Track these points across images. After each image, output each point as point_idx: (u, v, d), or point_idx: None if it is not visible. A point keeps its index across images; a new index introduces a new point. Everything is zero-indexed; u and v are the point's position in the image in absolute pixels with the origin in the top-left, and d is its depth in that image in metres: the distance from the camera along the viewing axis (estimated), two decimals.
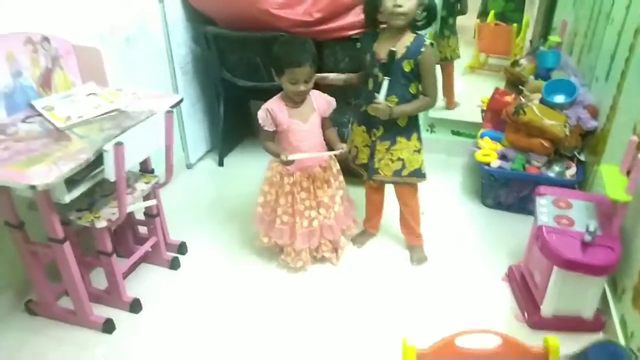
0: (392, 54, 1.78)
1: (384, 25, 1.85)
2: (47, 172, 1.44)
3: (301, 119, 1.92)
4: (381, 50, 1.82)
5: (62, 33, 1.93)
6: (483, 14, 4.67)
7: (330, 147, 1.98)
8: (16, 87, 1.78)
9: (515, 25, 4.15)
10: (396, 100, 1.83)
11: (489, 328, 1.45)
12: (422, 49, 1.77)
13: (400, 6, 1.70)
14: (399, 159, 1.94)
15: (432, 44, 1.81)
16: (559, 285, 1.72)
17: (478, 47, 4.28)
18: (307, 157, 1.91)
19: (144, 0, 2.43)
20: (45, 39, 1.86)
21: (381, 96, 1.80)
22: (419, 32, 1.84)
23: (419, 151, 1.98)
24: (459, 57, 3.50)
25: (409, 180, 2.00)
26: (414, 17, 1.76)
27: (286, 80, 1.83)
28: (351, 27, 2.40)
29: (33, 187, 1.40)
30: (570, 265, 1.64)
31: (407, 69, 1.80)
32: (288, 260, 2.12)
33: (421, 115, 3.00)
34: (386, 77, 1.80)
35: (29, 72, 1.82)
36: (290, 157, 1.86)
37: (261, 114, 1.91)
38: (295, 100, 1.90)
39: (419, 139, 1.98)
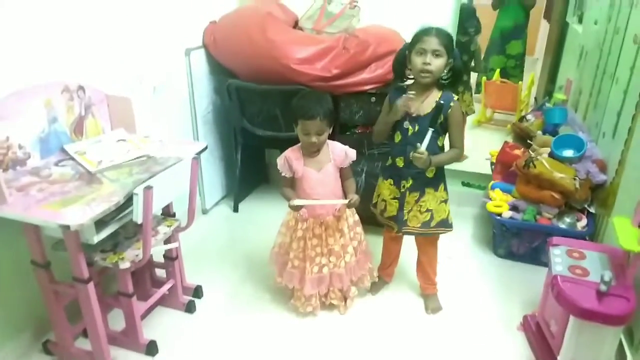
0: (439, 105, 1.84)
1: (410, 82, 1.95)
2: (80, 213, 1.50)
3: (315, 168, 1.99)
4: (410, 105, 1.88)
5: (95, 82, 2.05)
6: (486, 71, 4.86)
7: (345, 197, 2.04)
8: (51, 132, 1.88)
9: (520, 83, 4.31)
10: (426, 152, 1.87)
11: None
12: (451, 104, 1.86)
13: (428, 64, 1.79)
14: (427, 210, 1.99)
15: (457, 99, 1.89)
16: (575, 334, 1.73)
17: (484, 103, 4.44)
18: (313, 203, 1.97)
19: (172, 53, 2.58)
20: (81, 88, 1.97)
21: (423, 146, 1.83)
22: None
23: (445, 202, 2.03)
24: (473, 112, 3.64)
25: (437, 231, 2.04)
26: (440, 75, 1.84)
27: (300, 131, 1.92)
28: (366, 82, 2.53)
29: (67, 227, 1.46)
30: (586, 314, 1.66)
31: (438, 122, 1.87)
32: (298, 305, 2.14)
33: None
34: (430, 128, 1.83)
35: (63, 119, 1.92)
36: (296, 203, 1.93)
37: (279, 161, 2.00)
38: (310, 150, 1.99)
39: (446, 189, 2.04)
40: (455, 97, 1.88)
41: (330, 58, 2.47)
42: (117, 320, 2.01)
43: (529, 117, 3.31)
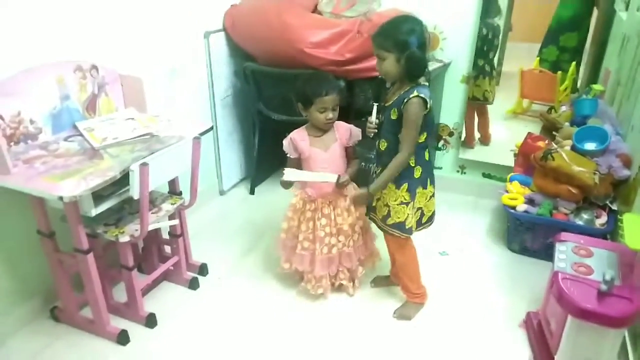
0: (399, 99, 1.77)
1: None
2: (75, 186, 1.56)
3: (322, 148, 1.99)
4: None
5: (113, 62, 2.12)
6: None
7: None
8: (63, 109, 1.96)
9: (559, 73, 4.09)
10: (386, 144, 1.84)
11: None
12: (406, 100, 1.72)
13: (378, 69, 1.79)
14: (386, 204, 1.90)
15: (422, 98, 1.70)
16: (573, 335, 1.64)
17: (521, 93, 4.24)
18: (302, 179, 2.00)
19: (191, 35, 2.63)
20: (94, 67, 2.04)
21: (373, 117, 1.86)
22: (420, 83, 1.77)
23: (407, 204, 1.87)
24: (492, 98, 3.49)
25: (391, 231, 1.93)
26: (395, 74, 1.74)
27: (315, 110, 1.92)
28: None
29: (61, 198, 1.52)
30: (584, 314, 1.57)
31: (393, 117, 1.79)
32: (308, 287, 2.14)
33: (451, 157, 3.00)
34: (375, 103, 1.86)
35: (76, 96, 2.00)
36: (285, 178, 1.96)
37: (285, 142, 2.04)
38: (324, 129, 1.99)
39: (409, 191, 1.86)
40: (415, 94, 1.70)
41: (344, 42, 2.44)
42: (124, 293, 2.08)
43: (563, 108, 3.15)
